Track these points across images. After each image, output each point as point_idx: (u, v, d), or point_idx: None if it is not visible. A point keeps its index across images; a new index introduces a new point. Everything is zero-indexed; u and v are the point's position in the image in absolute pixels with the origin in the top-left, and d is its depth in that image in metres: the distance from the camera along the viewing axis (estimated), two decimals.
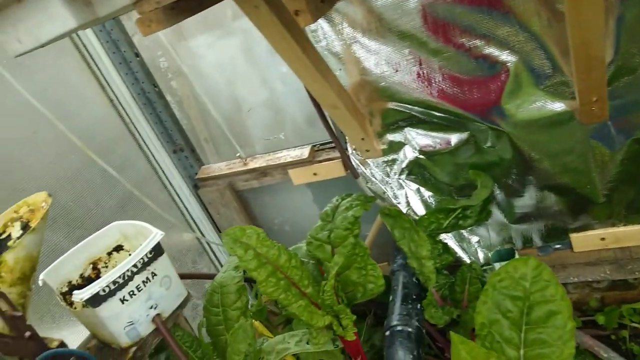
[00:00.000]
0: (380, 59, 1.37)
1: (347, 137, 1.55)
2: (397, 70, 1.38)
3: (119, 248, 1.35)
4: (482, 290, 1.03)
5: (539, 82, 1.26)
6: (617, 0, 1.09)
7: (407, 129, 1.51)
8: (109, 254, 1.33)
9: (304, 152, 1.73)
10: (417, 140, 1.51)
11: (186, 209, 1.97)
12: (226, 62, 1.74)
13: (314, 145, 1.76)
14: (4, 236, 1.04)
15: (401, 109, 1.47)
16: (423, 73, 1.37)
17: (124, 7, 0.74)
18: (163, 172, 1.88)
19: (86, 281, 1.29)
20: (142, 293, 1.15)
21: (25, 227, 1.04)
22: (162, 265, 1.19)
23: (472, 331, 1.37)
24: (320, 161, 1.71)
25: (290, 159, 1.73)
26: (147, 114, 1.78)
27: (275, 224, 2.06)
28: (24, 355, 0.88)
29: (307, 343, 1.41)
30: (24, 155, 1.42)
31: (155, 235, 1.17)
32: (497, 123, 1.36)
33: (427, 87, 1.38)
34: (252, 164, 1.84)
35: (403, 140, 1.54)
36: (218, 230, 2.07)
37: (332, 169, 1.69)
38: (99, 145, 1.57)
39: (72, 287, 1.26)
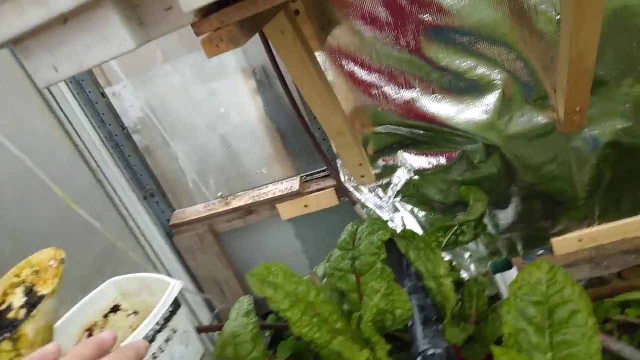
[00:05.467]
0: (374, 85, 1.40)
1: (343, 164, 1.54)
2: (391, 95, 1.41)
3: (116, 309, 1.18)
4: (505, 301, 1.03)
5: (527, 97, 1.35)
6: None
7: (400, 152, 1.54)
8: (106, 316, 1.16)
9: (294, 185, 1.67)
10: (411, 162, 1.54)
11: (159, 260, 1.80)
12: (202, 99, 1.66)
13: (302, 177, 1.71)
14: (3, 307, 0.86)
15: (395, 132, 1.49)
16: (416, 97, 1.41)
17: (178, 27, 0.68)
18: (134, 221, 1.71)
19: None
20: (165, 355, 1.00)
21: (29, 293, 0.86)
22: (181, 319, 1.06)
23: (496, 343, 1.37)
24: (311, 192, 1.66)
25: (280, 193, 1.67)
26: (117, 159, 1.63)
27: (257, 264, 1.95)
28: None
29: None
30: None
31: (174, 286, 1.04)
32: (489, 139, 1.43)
33: (419, 108, 1.43)
34: (236, 203, 1.74)
35: (397, 164, 1.55)
36: (195, 280, 1.90)
37: (324, 199, 1.64)
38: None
39: None
